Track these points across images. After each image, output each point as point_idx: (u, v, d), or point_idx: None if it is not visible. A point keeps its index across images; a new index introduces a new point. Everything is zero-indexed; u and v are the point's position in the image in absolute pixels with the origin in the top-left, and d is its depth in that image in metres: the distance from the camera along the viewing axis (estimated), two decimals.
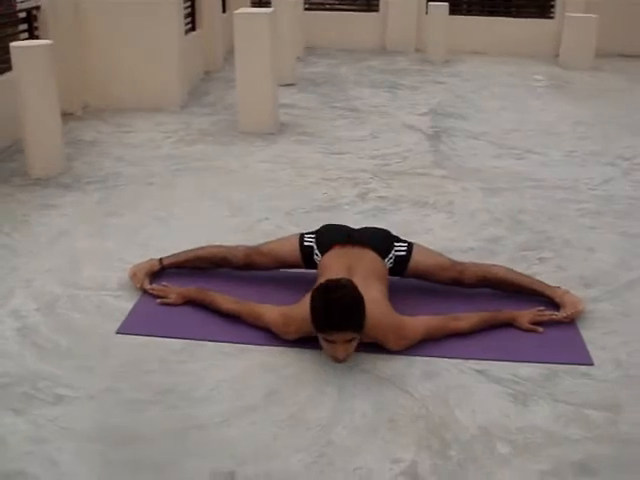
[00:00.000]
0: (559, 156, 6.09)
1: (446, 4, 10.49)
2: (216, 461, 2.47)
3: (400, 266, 3.49)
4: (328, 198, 4.96)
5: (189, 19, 8.81)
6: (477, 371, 2.99)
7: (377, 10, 11.93)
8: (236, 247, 3.75)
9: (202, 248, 3.79)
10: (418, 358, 3.06)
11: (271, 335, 3.18)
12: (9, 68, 5.72)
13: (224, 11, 10.10)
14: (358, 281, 2.99)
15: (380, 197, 5.00)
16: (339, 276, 3.03)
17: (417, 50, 11.45)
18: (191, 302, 3.46)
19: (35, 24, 6.64)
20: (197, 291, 3.47)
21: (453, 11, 11.01)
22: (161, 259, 3.74)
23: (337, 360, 2.91)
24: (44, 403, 2.75)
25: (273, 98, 6.60)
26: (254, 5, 11.64)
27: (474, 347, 3.15)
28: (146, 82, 7.36)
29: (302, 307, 3.00)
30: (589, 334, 3.27)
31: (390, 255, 3.46)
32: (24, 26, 6.62)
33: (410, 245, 3.55)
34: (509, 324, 3.29)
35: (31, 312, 3.41)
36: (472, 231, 4.43)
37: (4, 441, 2.55)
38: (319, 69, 10.01)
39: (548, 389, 2.88)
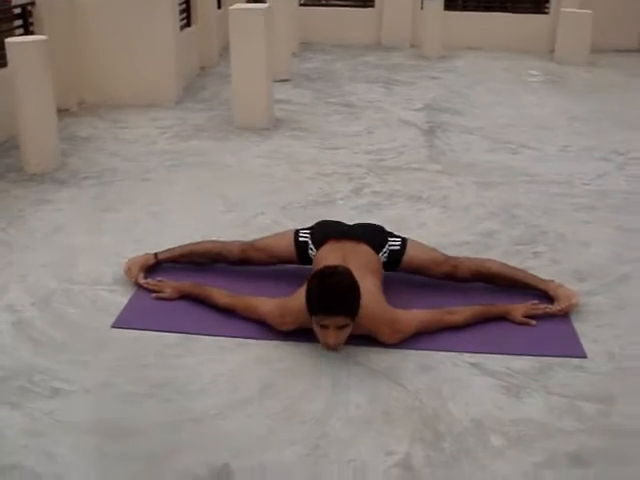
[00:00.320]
0: (554, 151, 6.10)
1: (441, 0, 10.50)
2: (211, 453, 2.48)
3: (394, 261, 3.51)
4: (323, 193, 4.97)
5: (184, 15, 8.79)
6: (471, 364, 3.01)
7: (372, 6, 11.92)
8: (231, 242, 3.76)
9: (197, 243, 3.81)
10: (412, 351, 3.08)
11: (266, 329, 3.19)
12: (4, 64, 5.71)
13: (219, 7, 10.08)
14: (353, 273, 3.00)
15: (375, 192, 5.01)
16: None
17: (412, 46, 11.44)
18: (186, 297, 3.47)
19: (30, 20, 6.63)
20: (192, 286, 3.48)
21: (448, 6, 11.00)
22: (156, 254, 3.75)
23: (328, 347, 2.93)
24: (40, 397, 2.76)
25: (268, 93, 6.60)
26: (249, 1, 11.59)
27: (468, 340, 3.17)
28: (141, 78, 7.34)
29: (298, 298, 3.01)
30: (582, 327, 3.29)
31: (384, 249, 3.48)
32: (19, 22, 6.61)
33: (404, 240, 3.56)
34: (503, 317, 3.31)
35: (26, 306, 3.42)
36: (467, 225, 4.45)
37: (0, 434, 2.56)
38: (314, 65, 10.01)
39: (541, 382, 2.89)
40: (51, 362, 2.98)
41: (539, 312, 3.33)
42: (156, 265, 3.72)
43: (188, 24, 8.99)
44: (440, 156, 5.91)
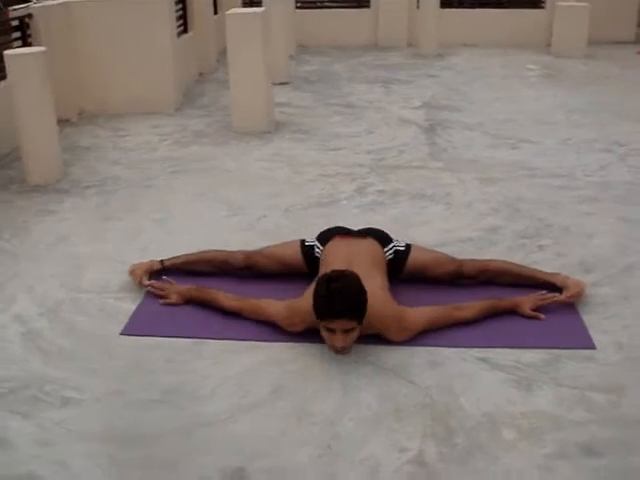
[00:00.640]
0: (554, 144, 6.10)
1: None
2: (224, 457, 2.48)
3: (399, 260, 3.51)
4: (326, 194, 4.98)
5: (181, 21, 8.81)
6: (480, 359, 3.01)
7: (368, 6, 11.93)
8: (237, 251, 3.76)
9: (204, 252, 3.81)
10: (421, 348, 3.08)
11: (275, 331, 3.19)
12: (3, 76, 5.73)
13: (215, 12, 10.10)
14: (359, 270, 3.01)
15: (378, 191, 5.01)
16: (342, 267, 3.06)
17: (409, 45, 11.46)
18: (192, 301, 3.47)
19: (28, 31, 6.64)
20: (198, 290, 3.49)
21: (444, 4, 11.01)
22: (162, 260, 3.76)
23: (336, 350, 2.94)
24: (51, 406, 2.77)
25: (267, 97, 6.61)
26: (245, 5, 11.64)
27: (476, 335, 3.17)
28: (140, 86, 7.36)
29: (306, 299, 3.02)
30: (590, 318, 3.29)
31: (390, 246, 3.51)
32: (17, 34, 6.62)
33: (408, 244, 3.60)
34: (512, 311, 3.30)
35: (35, 317, 3.42)
36: (470, 221, 4.44)
37: (12, 444, 2.57)
38: (312, 67, 10.02)
39: (551, 374, 2.89)
40: (61, 371, 2.99)
41: (548, 301, 3.32)
42: (162, 271, 3.72)
43: (185, 30, 9.01)
44: (441, 153, 5.91)
